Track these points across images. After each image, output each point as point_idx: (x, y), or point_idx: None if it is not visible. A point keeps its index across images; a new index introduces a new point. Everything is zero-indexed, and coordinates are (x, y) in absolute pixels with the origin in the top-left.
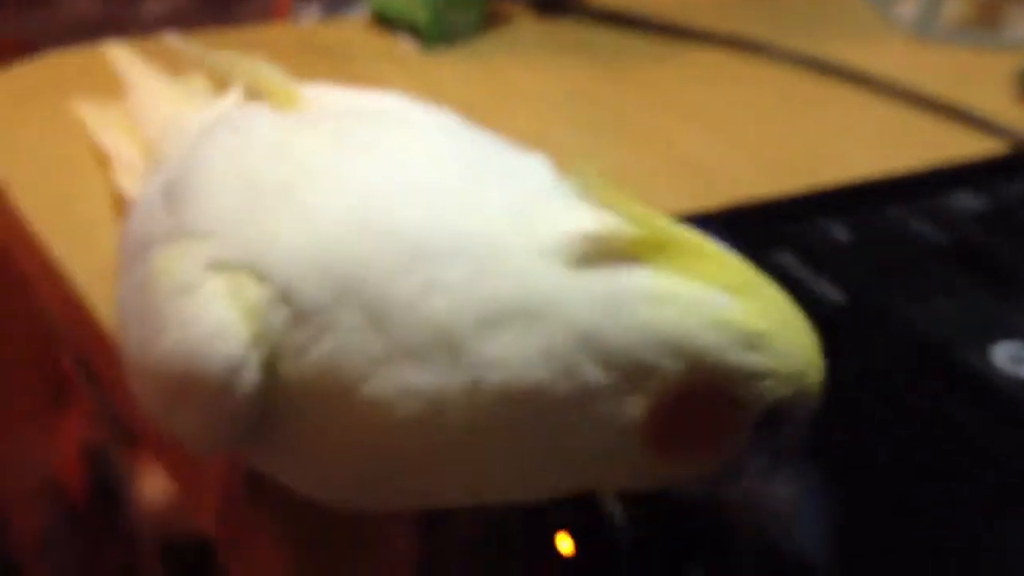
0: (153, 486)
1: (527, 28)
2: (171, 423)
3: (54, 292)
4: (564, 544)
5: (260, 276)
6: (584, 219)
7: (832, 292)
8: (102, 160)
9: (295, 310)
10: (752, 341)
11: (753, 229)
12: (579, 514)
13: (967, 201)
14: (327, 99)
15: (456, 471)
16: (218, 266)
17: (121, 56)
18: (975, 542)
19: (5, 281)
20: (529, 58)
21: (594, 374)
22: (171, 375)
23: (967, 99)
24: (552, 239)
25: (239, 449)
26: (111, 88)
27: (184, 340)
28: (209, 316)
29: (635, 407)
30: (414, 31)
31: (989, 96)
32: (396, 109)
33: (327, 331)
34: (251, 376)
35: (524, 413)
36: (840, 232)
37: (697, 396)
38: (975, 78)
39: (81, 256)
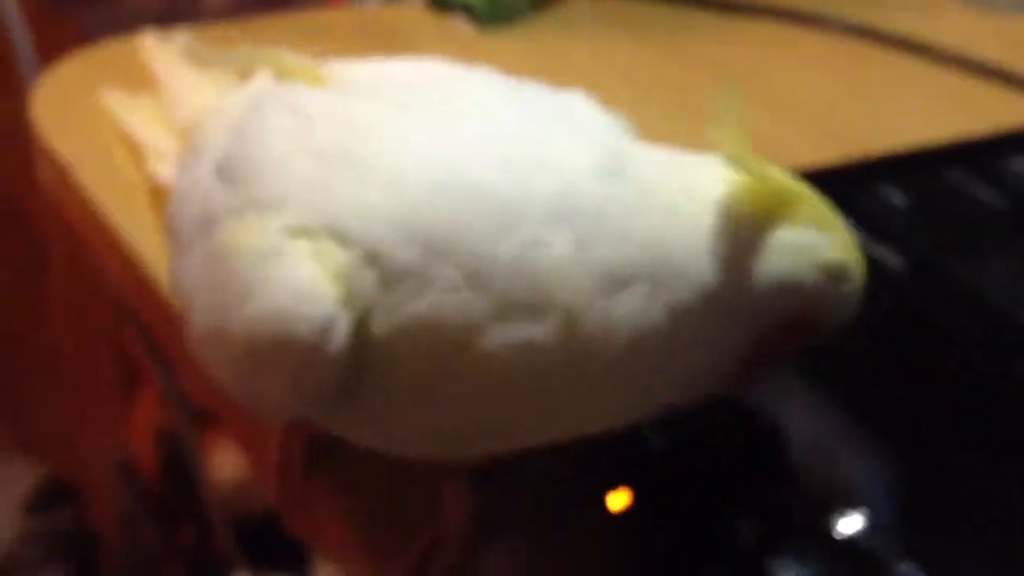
0: (224, 465)
1: (581, 6)
2: (254, 390)
3: (124, 272)
4: (616, 501)
5: (343, 239)
6: (681, 171)
7: (893, 258)
8: (132, 149)
9: (383, 271)
10: (841, 274)
11: None
12: (631, 470)
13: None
14: (357, 72)
15: (561, 414)
16: (299, 232)
17: (152, 47)
18: None
19: (78, 268)
20: (584, 35)
21: (716, 326)
22: (259, 339)
23: None
24: (659, 200)
25: (320, 414)
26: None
27: (273, 303)
28: (298, 278)
29: (745, 341)
30: (469, 12)
31: None
32: (437, 74)
33: (422, 290)
34: (341, 336)
35: (646, 362)
36: (898, 198)
37: (796, 324)
38: None
39: (146, 234)
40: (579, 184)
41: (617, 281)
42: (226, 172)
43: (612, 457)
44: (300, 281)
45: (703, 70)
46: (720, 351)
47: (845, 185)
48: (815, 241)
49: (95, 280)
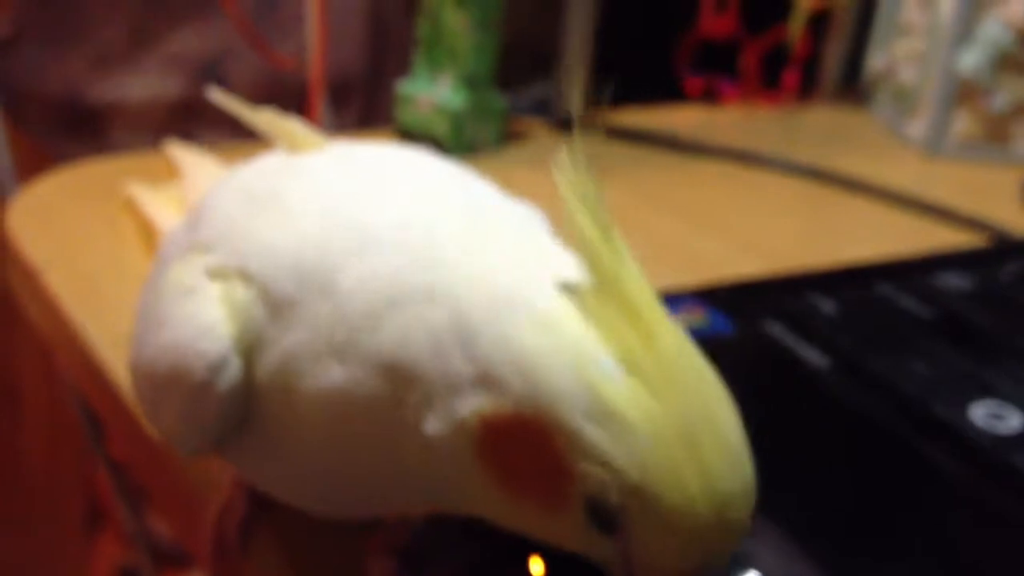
0: None
1: (545, 143)
2: (158, 419)
3: (86, 377)
4: (536, 567)
5: (247, 278)
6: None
7: (817, 357)
8: (150, 233)
9: (271, 306)
10: (603, 416)
11: (748, 303)
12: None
13: (954, 281)
14: (352, 149)
15: (369, 465)
16: (216, 273)
17: (176, 149)
18: None
19: (52, 405)
20: (546, 168)
21: (456, 362)
22: (160, 369)
23: (973, 208)
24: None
25: (213, 446)
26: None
27: (175, 337)
28: (201, 316)
29: (473, 411)
30: (437, 144)
31: (995, 204)
32: (406, 155)
33: (292, 325)
34: (231, 375)
35: (401, 392)
36: (828, 306)
37: (526, 428)
38: (982, 189)
39: (112, 339)
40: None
41: (397, 302)
42: (189, 220)
43: None
44: (203, 319)
45: (655, 200)
46: (456, 417)
47: (778, 293)
48: (602, 362)
49: (66, 414)
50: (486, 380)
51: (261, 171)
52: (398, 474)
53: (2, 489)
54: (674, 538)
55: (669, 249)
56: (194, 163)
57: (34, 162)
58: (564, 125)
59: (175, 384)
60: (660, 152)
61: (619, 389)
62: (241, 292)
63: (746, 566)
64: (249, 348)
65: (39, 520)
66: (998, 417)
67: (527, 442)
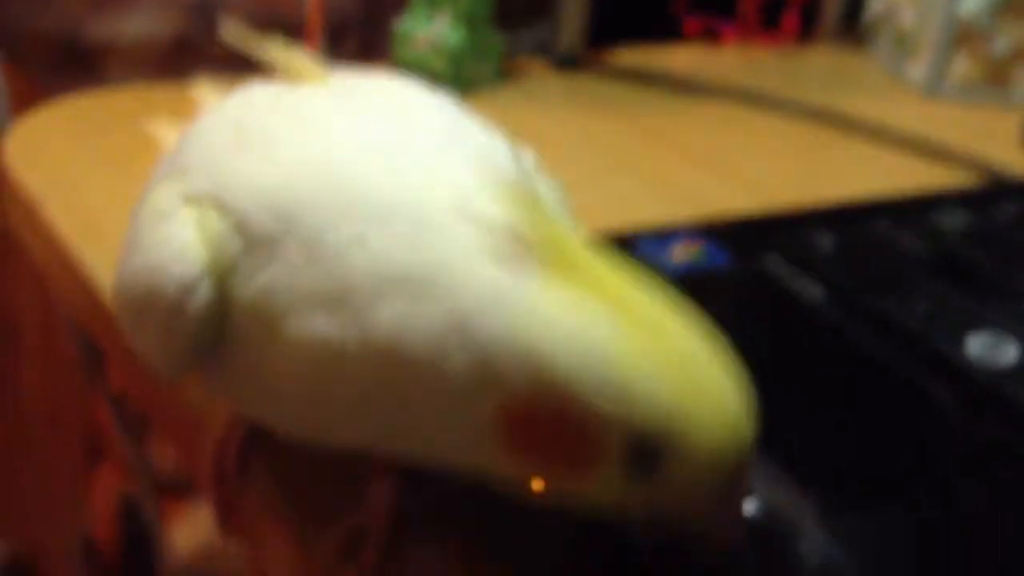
0: (186, 539)
1: (544, 81)
2: (136, 341)
3: (87, 306)
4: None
5: (222, 208)
6: (509, 215)
7: (814, 290)
8: None
9: (247, 240)
10: (619, 377)
11: (745, 237)
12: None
13: (951, 220)
14: (351, 80)
15: (355, 419)
16: (191, 199)
17: (202, 87)
18: (949, 519)
19: (50, 338)
20: (545, 106)
21: (458, 362)
22: (136, 292)
23: (972, 149)
24: (473, 227)
25: (190, 370)
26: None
27: (149, 260)
28: (174, 240)
29: (486, 404)
30: (435, 79)
31: (993, 146)
32: (405, 85)
33: (271, 262)
34: (203, 297)
35: (402, 377)
36: (826, 242)
37: (550, 411)
38: (981, 131)
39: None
40: (422, 198)
41: (390, 286)
42: (176, 146)
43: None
44: (176, 243)
45: (655, 140)
46: (458, 413)
47: (776, 228)
48: (595, 329)
49: (65, 349)
50: (494, 374)
51: (252, 104)
52: (385, 436)
53: (2, 424)
54: (701, 467)
55: (667, 186)
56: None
57: (29, 99)
58: (562, 63)
59: (150, 306)
60: (659, 92)
61: (619, 345)
62: (215, 221)
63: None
64: (222, 274)
65: (39, 454)
66: (995, 349)
67: (550, 419)
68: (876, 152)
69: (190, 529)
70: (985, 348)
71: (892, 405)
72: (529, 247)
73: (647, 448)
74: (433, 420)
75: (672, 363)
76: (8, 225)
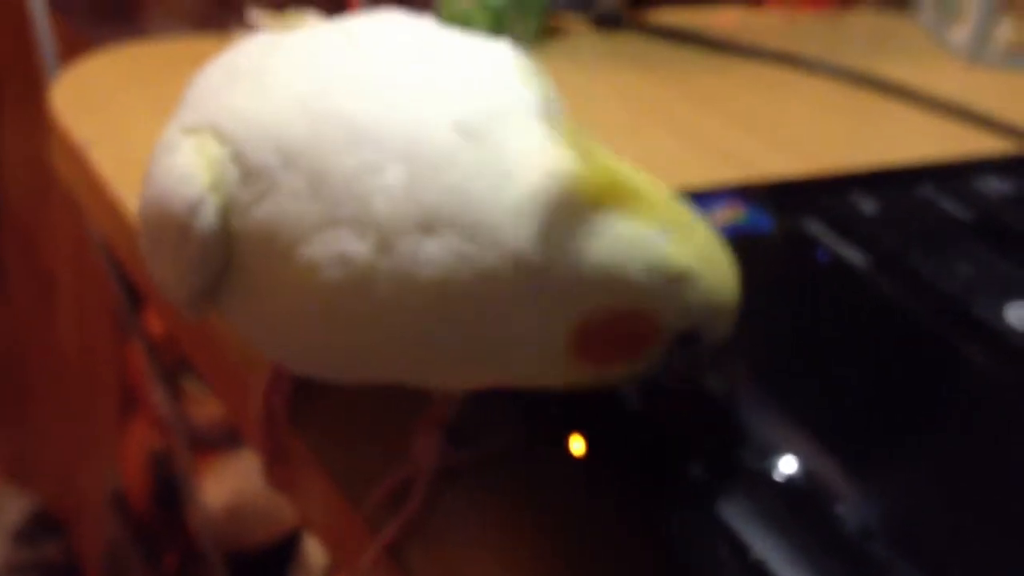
0: (216, 492)
1: (585, 40)
2: (153, 272)
3: (132, 253)
4: (576, 445)
5: (220, 137)
6: (536, 147)
7: (856, 255)
8: None
9: (245, 170)
10: (681, 278)
11: (788, 201)
12: (591, 416)
13: (994, 185)
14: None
15: (386, 346)
16: (190, 130)
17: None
18: (986, 481)
19: (85, 288)
20: (585, 64)
21: (529, 303)
22: (151, 221)
23: (1015, 117)
24: (502, 165)
25: (202, 298)
26: None
27: (157, 188)
28: (178, 166)
29: (562, 326)
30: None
31: None
32: (402, 19)
33: (270, 192)
34: (208, 216)
35: (454, 311)
36: (869, 206)
37: (622, 320)
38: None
39: None
40: (433, 133)
41: (431, 225)
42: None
43: (571, 404)
44: (180, 168)
45: (700, 103)
46: (537, 335)
47: (819, 192)
48: (651, 240)
49: (101, 299)
50: (574, 299)
51: (248, 48)
52: (419, 367)
53: (40, 375)
54: (725, 329)
55: (709, 147)
56: None
57: (76, 49)
58: (603, 22)
59: (162, 232)
60: (699, 52)
61: (674, 254)
62: (214, 147)
63: (783, 453)
64: (224, 198)
65: (74, 405)
66: None
67: (621, 326)
68: (918, 117)
69: (222, 483)
70: None
71: (932, 369)
72: (573, 176)
73: (692, 331)
74: (498, 348)
75: (704, 260)
76: (48, 177)
